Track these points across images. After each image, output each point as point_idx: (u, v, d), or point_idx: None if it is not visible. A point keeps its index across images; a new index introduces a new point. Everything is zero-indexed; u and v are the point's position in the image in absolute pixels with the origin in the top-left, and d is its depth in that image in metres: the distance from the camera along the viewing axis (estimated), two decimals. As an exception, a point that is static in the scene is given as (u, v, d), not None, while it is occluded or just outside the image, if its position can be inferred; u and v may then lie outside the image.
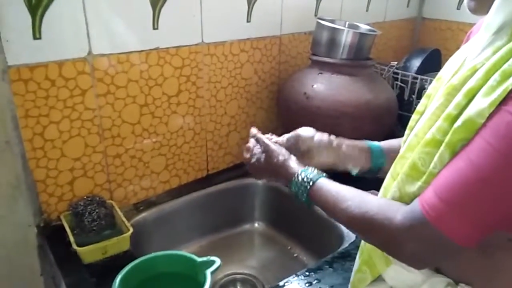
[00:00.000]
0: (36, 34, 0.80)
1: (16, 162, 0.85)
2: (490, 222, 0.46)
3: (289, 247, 1.17)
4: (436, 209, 0.47)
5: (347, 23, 1.24)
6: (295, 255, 1.15)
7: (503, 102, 0.44)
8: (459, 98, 0.49)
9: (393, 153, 0.73)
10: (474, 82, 0.48)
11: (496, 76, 0.45)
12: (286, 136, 0.80)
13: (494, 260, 0.52)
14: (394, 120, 1.20)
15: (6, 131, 0.82)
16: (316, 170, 0.66)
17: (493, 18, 0.50)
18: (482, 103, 0.45)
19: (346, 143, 0.77)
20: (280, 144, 0.77)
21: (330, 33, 1.13)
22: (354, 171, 0.76)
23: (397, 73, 1.39)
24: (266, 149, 0.74)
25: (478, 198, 0.46)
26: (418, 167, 0.52)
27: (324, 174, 0.66)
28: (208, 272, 0.72)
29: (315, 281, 0.81)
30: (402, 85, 1.38)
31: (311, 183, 0.63)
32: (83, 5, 0.84)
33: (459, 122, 0.47)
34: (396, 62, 1.37)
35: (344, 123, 1.10)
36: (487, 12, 0.51)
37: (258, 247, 1.20)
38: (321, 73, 1.14)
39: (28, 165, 0.87)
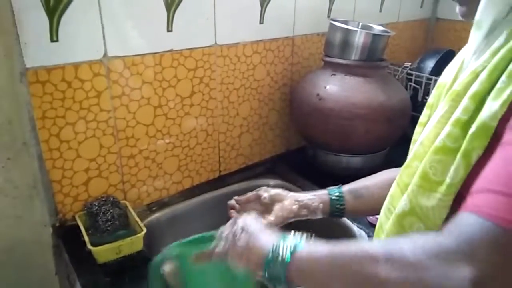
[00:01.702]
0: (54, 37, 0.81)
1: (33, 163, 0.86)
2: None
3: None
4: (501, 207, 0.36)
5: (360, 24, 1.23)
6: None
7: None
8: (466, 102, 0.48)
9: (358, 195, 0.75)
10: (478, 85, 0.47)
11: (503, 78, 0.44)
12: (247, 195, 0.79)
13: None
14: (408, 121, 1.19)
15: (23, 132, 0.83)
16: (291, 236, 0.50)
17: (482, 16, 0.49)
18: (493, 106, 0.44)
19: (304, 194, 0.77)
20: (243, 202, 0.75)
21: (343, 34, 1.12)
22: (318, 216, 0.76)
23: (411, 74, 1.38)
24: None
25: None
26: (429, 176, 0.50)
27: (304, 237, 0.50)
28: None
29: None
30: (416, 86, 1.37)
31: (288, 256, 0.47)
32: (99, 9, 0.85)
33: (473, 129, 0.45)
34: (410, 63, 1.36)
35: (357, 124, 1.09)
36: None
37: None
38: (334, 74, 1.14)
39: (45, 165, 0.88)
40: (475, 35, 0.51)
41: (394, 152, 1.19)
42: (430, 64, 1.41)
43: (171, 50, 0.98)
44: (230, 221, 0.59)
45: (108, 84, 0.91)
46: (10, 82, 0.79)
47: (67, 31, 0.82)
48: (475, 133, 0.45)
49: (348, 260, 0.42)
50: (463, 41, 0.56)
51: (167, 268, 0.64)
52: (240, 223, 0.57)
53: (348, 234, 1.00)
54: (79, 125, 0.90)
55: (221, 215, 1.17)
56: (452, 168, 0.47)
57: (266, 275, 0.49)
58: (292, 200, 0.77)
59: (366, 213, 0.80)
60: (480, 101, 0.47)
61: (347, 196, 0.76)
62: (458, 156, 0.46)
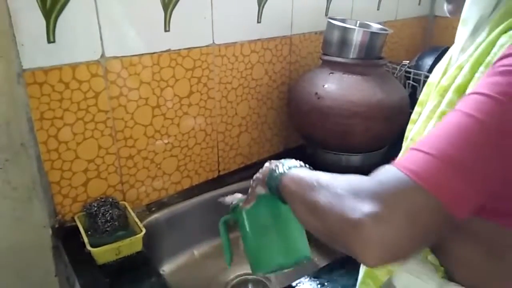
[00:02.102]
0: (50, 38, 0.81)
1: (31, 164, 0.86)
2: (484, 179, 0.39)
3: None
4: (421, 164, 0.38)
5: (358, 22, 1.23)
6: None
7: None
8: (450, 95, 0.49)
9: None
10: (461, 78, 0.48)
11: (481, 68, 0.46)
12: None
13: (505, 264, 0.51)
14: (407, 119, 1.17)
15: (21, 133, 0.83)
16: (294, 161, 0.60)
17: (468, 13, 0.51)
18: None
19: None
20: None
21: (341, 33, 1.12)
22: None
23: (409, 72, 1.38)
24: None
25: (472, 145, 0.38)
26: None
27: (302, 163, 0.60)
28: None
29: (327, 282, 0.81)
30: (415, 84, 1.37)
31: (281, 174, 0.57)
32: (96, 9, 0.85)
33: None
34: (408, 61, 1.36)
35: (356, 123, 1.09)
36: None
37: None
38: (332, 73, 1.14)
39: (43, 167, 0.88)
40: (462, 32, 0.53)
41: (393, 150, 1.18)
42: (428, 61, 1.41)
43: (168, 50, 0.98)
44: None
45: (106, 85, 0.91)
46: (7, 83, 0.79)
47: (64, 32, 0.82)
48: None
49: (306, 184, 0.50)
50: None
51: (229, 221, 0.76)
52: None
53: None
54: (77, 126, 0.90)
55: (220, 215, 1.17)
56: None
57: (268, 186, 0.62)
58: None
59: None
60: (462, 93, 0.48)
61: None
62: None
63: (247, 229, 0.71)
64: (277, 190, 0.59)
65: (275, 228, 0.69)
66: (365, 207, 0.38)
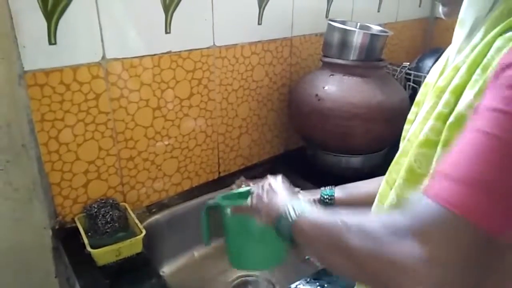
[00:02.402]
0: (52, 39, 0.81)
1: (32, 166, 0.86)
2: None
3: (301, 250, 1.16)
4: (456, 193, 0.36)
5: (359, 24, 1.23)
6: (306, 257, 1.14)
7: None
8: (446, 96, 0.49)
9: (349, 199, 0.77)
10: (458, 79, 0.49)
11: (478, 70, 0.46)
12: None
13: (506, 264, 0.50)
14: (407, 121, 1.19)
15: (22, 135, 0.83)
16: (303, 202, 0.57)
17: (465, 14, 0.51)
18: (468, 96, 0.46)
19: (302, 194, 0.79)
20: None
21: (341, 35, 1.12)
22: None
23: (410, 74, 1.38)
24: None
25: (499, 166, 0.36)
26: (414, 169, 0.51)
27: (311, 203, 0.57)
28: None
29: (327, 284, 0.81)
30: (415, 85, 1.37)
31: (296, 215, 0.54)
32: (97, 11, 0.85)
33: (451, 119, 0.47)
34: (408, 63, 1.36)
35: (356, 124, 1.09)
36: None
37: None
38: (332, 75, 1.14)
39: (44, 168, 0.88)
40: (459, 33, 0.53)
41: (393, 152, 1.18)
42: (428, 63, 1.41)
43: (169, 52, 0.98)
44: (261, 182, 0.70)
45: (107, 86, 0.91)
46: (8, 85, 0.79)
47: (65, 33, 0.82)
48: (453, 123, 0.47)
49: (330, 228, 0.47)
50: None
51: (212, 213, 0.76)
52: (267, 184, 0.67)
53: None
54: (78, 128, 0.90)
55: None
56: (434, 160, 0.49)
57: (276, 230, 0.58)
58: None
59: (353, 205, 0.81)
60: (459, 94, 0.48)
61: (337, 192, 0.78)
62: (439, 147, 0.48)
63: (229, 227, 0.74)
64: (289, 234, 0.55)
65: (257, 233, 0.70)
66: (413, 250, 0.37)
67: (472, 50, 0.49)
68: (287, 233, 0.55)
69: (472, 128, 0.40)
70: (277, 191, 0.65)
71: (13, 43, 0.77)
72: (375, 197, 0.63)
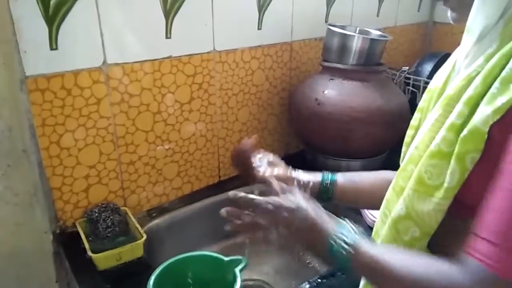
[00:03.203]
0: (53, 45, 0.82)
1: (33, 170, 0.87)
2: None
3: (301, 253, 1.17)
4: (500, 259, 0.42)
5: (358, 28, 1.24)
6: (307, 261, 1.15)
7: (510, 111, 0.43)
8: (460, 107, 0.49)
9: (350, 185, 0.73)
10: (473, 90, 0.48)
11: (496, 84, 0.45)
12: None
13: None
14: (406, 125, 1.18)
15: (23, 140, 0.84)
16: (351, 229, 0.54)
17: (473, 22, 0.51)
18: (485, 110, 0.45)
19: (301, 175, 0.74)
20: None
21: (341, 39, 1.13)
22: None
23: (409, 78, 1.38)
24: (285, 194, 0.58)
25: None
26: (424, 181, 0.51)
27: (359, 230, 0.55)
28: (237, 270, 0.72)
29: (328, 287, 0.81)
30: (414, 90, 1.37)
31: (352, 248, 0.51)
32: (98, 16, 0.86)
33: (465, 132, 0.46)
34: (407, 67, 1.37)
35: (355, 128, 1.09)
36: None
37: (271, 253, 1.19)
38: (332, 79, 1.14)
39: (45, 172, 0.89)
40: (467, 40, 0.52)
41: (393, 156, 1.18)
42: (427, 67, 1.42)
43: (170, 57, 0.99)
44: (277, 192, 0.59)
45: (108, 91, 0.92)
46: (10, 90, 0.79)
47: (66, 39, 0.83)
48: (466, 136, 0.46)
49: (391, 270, 0.48)
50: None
51: None
52: (292, 199, 0.56)
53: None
54: (78, 132, 0.90)
55: (221, 220, 1.17)
56: (448, 172, 0.48)
57: (331, 261, 0.53)
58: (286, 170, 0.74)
59: (353, 200, 0.76)
60: (474, 106, 0.47)
61: (339, 177, 0.74)
62: (452, 160, 0.47)
63: None
64: (344, 265, 0.52)
65: None
66: None
67: (487, 61, 0.48)
68: (346, 265, 0.52)
69: (501, 186, 0.43)
70: (309, 211, 0.55)
71: (15, 48, 0.78)
72: (378, 192, 0.64)
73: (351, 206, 0.87)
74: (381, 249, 0.52)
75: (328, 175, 0.74)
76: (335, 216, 0.56)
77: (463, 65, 0.53)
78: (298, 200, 0.56)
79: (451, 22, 0.56)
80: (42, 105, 0.84)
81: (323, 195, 0.73)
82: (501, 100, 0.44)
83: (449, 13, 0.56)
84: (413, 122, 0.62)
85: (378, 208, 0.65)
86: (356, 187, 0.74)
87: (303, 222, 0.54)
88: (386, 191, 0.63)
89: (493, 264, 0.42)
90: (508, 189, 0.42)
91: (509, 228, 0.42)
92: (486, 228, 0.44)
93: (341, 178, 0.74)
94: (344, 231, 0.53)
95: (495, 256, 0.42)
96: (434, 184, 0.50)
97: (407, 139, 0.62)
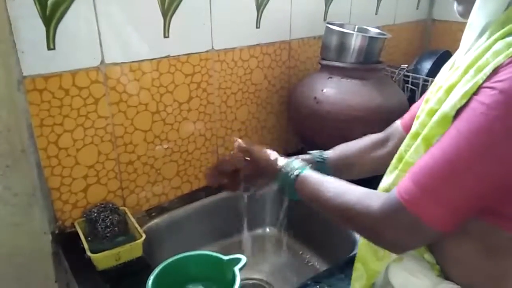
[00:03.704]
0: (50, 45, 0.82)
1: (31, 171, 0.86)
2: (464, 205, 0.47)
3: (300, 252, 1.17)
4: (411, 194, 0.48)
5: (356, 27, 1.23)
6: (306, 260, 1.15)
7: (476, 93, 0.46)
8: (440, 94, 0.51)
9: (343, 163, 0.79)
10: (454, 78, 0.50)
11: (471, 71, 0.47)
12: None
13: (499, 264, 0.51)
14: (406, 123, 1.19)
15: (21, 140, 0.84)
16: (301, 162, 0.67)
17: (475, 17, 0.52)
18: (455, 96, 0.48)
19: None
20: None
21: (340, 38, 1.13)
22: None
23: (408, 76, 1.38)
24: (252, 154, 0.75)
25: (449, 180, 0.46)
26: (405, 158, 0.55)
27: (309, 165, 0.67)
28: (237, 269, 0.72)
29: (327, 286, 0.81)
30: (413, 87, 1.37)
31: (295, 175, 0.65)
32: (95, 16, 0.85)
33: (435, 117, 0.50)
34: (406, 65, 1.37)
35: (354, 127, 1.09)
36: None
37: (270, 253, 1.20)
38: (331, 78, 1.14)
39: (43, 173, 0.88)
40: (468, 36, 0.53)
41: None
42: (427, 65, 1.42)
43: (168, 56, 0.98)
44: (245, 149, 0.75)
45: (106, 91, 0.91)
46: (7, 90, 0.79)
47: (64, 39, 0.83)
48: (436, 121, 0.50)
49: (324, 193, 0.60)
50: (459, 42, 0.58)
51: None
52: (257, 151, 0.74)
53: (347, 239, 1.00)
54: (77, 132, 0.90)
55: (220, 219, 1.17)
56: (412, 148, 0.53)
57: (279, 184, 0.68)
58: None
59: (347, 169, 0.82)
60: (450, 92, 0.49)
61: (329, 152, 0.81)
62: (419, 139, 0.52)
63: None
64: (290, 189, 0.66)
65: None
66: (375, 219, 0.52)
67: (475, 51, 0.49)
68: (290, 185, 0.65)
69: (439, 141, 0.48)
70: (268, 154, 0.73)
71: (12, 48, 0.78)
72: (365, 153, 0.79)
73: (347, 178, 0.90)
74: (322, 177, 0.63)
75: (317, 152, 0.80)
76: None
77: (461, 58, 0.54)
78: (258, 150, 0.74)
79: (457, 15, 0.57)
80: (40, 105, 0.84)
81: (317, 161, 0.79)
82: (469, 85, 0.46)
83: (455, 6, 0.57)
84: (419, 113, 0.63)
85: (371, 173, 0.78)
86: (347, 158, 0.81)
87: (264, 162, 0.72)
88: (376, 152, 0.79)
89: (404, 196, 0.49)
90: (445, 144, 0.47)
91: (432, 173, 0.47)
92: (415, 170, 0.50)
93: (331, 153, 0.80)
94: (293, 162, 0.67)
95: (409, 191, 0.49)
96: (412, 162, 0.54)
97: (413, 129, 0.63)
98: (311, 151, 0.80)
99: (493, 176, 0.45)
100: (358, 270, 0.65)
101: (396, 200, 0.50)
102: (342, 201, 0.56)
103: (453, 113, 0.47)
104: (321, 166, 0.77)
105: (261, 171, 0.72)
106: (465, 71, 0.48)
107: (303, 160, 0.75)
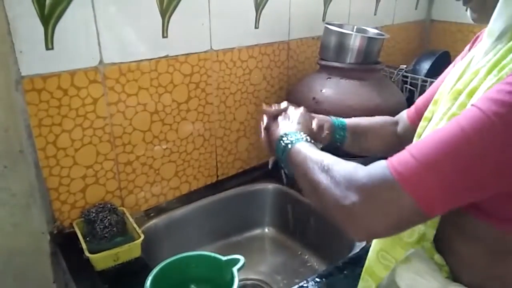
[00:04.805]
0: (49, 44, 0.81)
1: (30, 171, 0.86)
2: (460, 189, 0.43)
3: (299, 253, 1.17)
4: (406, 166, 0.44)
5: (355, 27, 1.23)
6: (305, 260, 1.15)
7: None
8: (462, 98, 0.50)
9: (358, 129, 0.80)
10: (476, 82, 0.49)
11: (495, 71, 0.47)
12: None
13: (510, 267, 0.51)
14: (404, 123, 1.19)
15: (20, 140, 0.83)
16: (299, 134, 0.64)
17: (494, 24, 0.52)
18: (478, 95, 0.47)
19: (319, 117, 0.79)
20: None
21: (338, 38, 1.13)
22: (318, 146, 0.75)
23: (407, 76, 1.38)
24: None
25: (454, 156, 0.42)
26: None
27: (307, 138, 0.63)
28: (235, 270, 0.72)
29: (326, 287, 0.81)
30: (412, 88, 1.37)
31: (289, 146, 0.61)
32: (94, 16, 0.85)
33: None
34: (405, 65, 1.37)
35: (353, 127, 1.09)
36: (489, 21, 0.53)
37: (269, 253, 1.20)
38: (329, 78, 1.14)
39: (42, 173, 0.88)
40: (487, 42, 0.53)
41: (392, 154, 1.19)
42: (425, 66, 1.42)
43: (166, 56, 0.98)
44: (284, 108, 0.74)
45: (104, 91, 0.91)
46: (5, 90, 0.79)
47: (62, 39, 0.82)
48: None
49: (310, 163, 0.55)
50: (458, 42, 0.58)
51: None
52: (289, 113, 0.72)
53: (346, 239, 1.00)
54: (75, 132, 0.90)
55: (219, 219, 1.17)
56: None
57: (277, 153, 0.65)
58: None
59: (363, 142, 0.82)
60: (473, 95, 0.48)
61: (348, 121, 0.80)
62: None
63: None
64: (283, 156, 0.63)
65: None
66: (353, 197, 0.46)
67: (495, 55, 0.49)
68: (282, 156, 0.63)
69: (453, 119, 0.45)
70: (288, 120, 0.70)
71: (10, 48, 0.78)
72: (377, 125, 0.79)
73: (361, 153, 0.89)
74: (314, 150, 0.59)
75: (338, 120, 0.79)
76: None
77: (479, 62, 0.54)
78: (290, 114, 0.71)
79: (472, 21, 0.57)
80: (38, 105, 0.84)
81: (336, 137, 0.78)
82: (492, 82, 0.45)
83: (469, 12, 0.57)
84: (427, 114, 0.63)
85: (380, 149, 0.79)
86: (360, 123, 0.81)
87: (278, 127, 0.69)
88: (387, 128, 0.80)
89: (397, 167, 0.44)
90: (455, 120, 0.44)
91: (436, 152, 0.43)
92: (416, 146, 0.45)
93: (347, 119, 0.80)
94: (292, 133, 0.64)
95: (406, 162, 0.44)
96: None
97: (419, 130, 0.63)
98: (331, 116, 0.80)
99: (497, 163, 0.42)
100: (366, 281, 0.64)
101: (385, 170, 0.45)
102: (323, 171, 0.52)
103: None
104: (340, 131, 0.77)
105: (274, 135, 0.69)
106: (488, 72, 0.48)
107: (321, 123, 0.75)
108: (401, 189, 0.43)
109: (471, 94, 0.49)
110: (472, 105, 0.44)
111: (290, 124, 0.68)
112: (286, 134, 0.64)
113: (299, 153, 0.59)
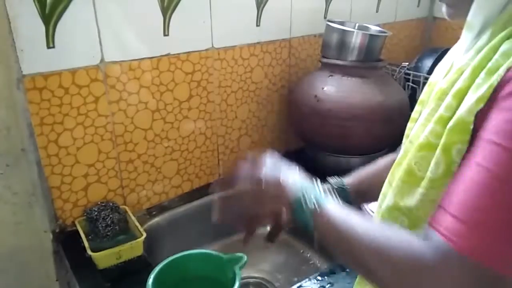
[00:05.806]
0: (50, 43, 0.81)
1: (31, 169, 0.86)
2: None
3: (301, 251, 1.16)
4: (461, 235, 0.39)
5: (357, 24, 1.23)
6: (307, 258, 1.14)
7: (492, 99, 0.43)
8: (449, 99, 0.49)
9: (363, 187, 0.72)
10: (461, 83, 0.48)
11: (482, 74, 0.45)
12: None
13: None
14: (406, 121, 1.18)
15: (22, 139, 0.83)
16: (317, 187, 0.55)
17: (473, 17, 0.50)
18: (470, 100, 0.45)
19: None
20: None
21: (340, 35, 1.12)
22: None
23: (409, 74, 1.38)
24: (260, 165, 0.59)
25: (504, 206, 0.38)
26: (414, 172, 0.51)
27: (326, 189, 0.56)
28: (237, 268, 0.72)
29: (328, 284, 0.81)
30: (414, 85, 1.37)
31: (315, 206, 0.51)
32: (95, 14, 0.85)
33: (451, 123, 0.46)
34: (407, 63, 1.36)
35: (355, 125, 1.09)
36: (465, 17, 0.51)
37: (271, 251, 1.19)
38: (331, 76, 1.14)
39: (44, 172, 0.88)
40: (466, 36, 0.52)
41: (393, 152, 1.18)
42: (427, 63, 1.41)
43: (168, 54, 0.98)
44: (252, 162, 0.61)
45: (106, 89, 0.91)
46: (7, 89, 0.79)
47: (63, 37, 0.82)
48: (452, 127, 0.46)
49: (351, 234, 0.47)
50: None
51: None
52: (264, 162, 0.59)
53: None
54: (77, 131, 0.90)
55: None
56: (433, 163, 0.48)
57: (295, 219, 0.54)
58: None
59: (369, 195, 0.74)
60: (461, 98, 0.47)
61: (347, 180, 0.73)
62: (438, 150, 0.47)
63: None
64: (306, 223, 0.52)
65: None
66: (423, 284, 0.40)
67: (477, 53, 0.48)
68: (308, 224, 0.52)
69: (473, 161, 0.42)
70: (281, 171, 0.57)
71: (11, 47, 0.77)
72: (384, 172, 0.63)
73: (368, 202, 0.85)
74: (345, 211, 0.50)
75: (337, 181, 0.72)
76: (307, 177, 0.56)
77: (460, 60, 0.53)
78: (266, 168, 0.58)
79: (446, 17, 0.55)
80: (40, 103, 0.84)
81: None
82: (484, 89, 0.44)
83: (444, 8, 0.55)
84: (414, 114, 0.62)
85: None
86: (366, 178, 0.74)
87: (271, 187, 0.55)
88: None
89: (458, 242, 0.39)
90: (479, 165, 0.41)
91: (475, 205, 0.39)
92: (454, 203, 0.41)
93: (350, 180, 0.73)
94: (309, 190, 0.53)
95: (461, 234, 0.39)
96: (422, 176, 0.49)
97: (407, 131, 0.62)
98: (329, 178, 0.72)
99: None
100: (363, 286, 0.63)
101: (446, 246, 0.40)
102: (376, 245, 0.44)
103: (472, 118, 0.44)
104: (342, 194, 0.69)
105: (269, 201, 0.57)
106: (474, 74, 0.46)
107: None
108: (470, 260, 0.38)
109: (457, 96, 0.48)
110: (487, 140, 0.41)
111: (291, 172, 0.57)
112: (304, 189, 0.53)
113: (330, 215, 0.50)
